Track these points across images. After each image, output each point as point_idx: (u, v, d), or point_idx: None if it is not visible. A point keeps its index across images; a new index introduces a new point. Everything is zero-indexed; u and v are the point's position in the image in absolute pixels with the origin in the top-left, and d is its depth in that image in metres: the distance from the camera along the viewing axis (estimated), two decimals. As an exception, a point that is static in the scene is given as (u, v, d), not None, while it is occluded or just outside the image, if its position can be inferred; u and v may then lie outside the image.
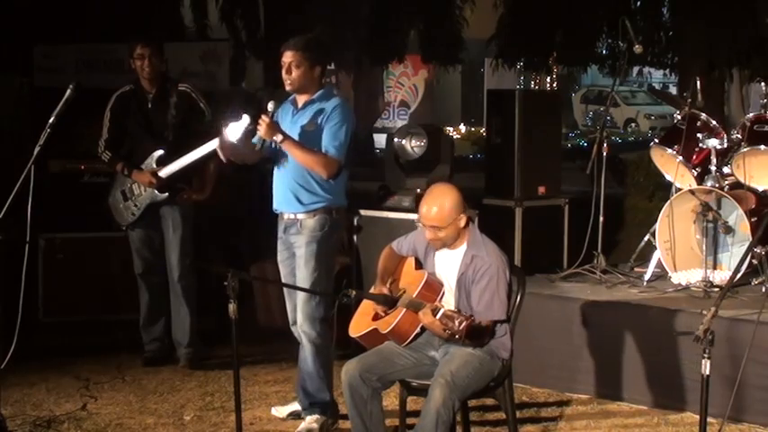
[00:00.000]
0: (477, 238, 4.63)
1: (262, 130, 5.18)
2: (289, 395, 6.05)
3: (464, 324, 4.21)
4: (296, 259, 5.44)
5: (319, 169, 5.30)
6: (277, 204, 5.50)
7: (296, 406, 5.67)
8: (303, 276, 5.37)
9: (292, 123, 5.38)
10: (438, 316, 4.28)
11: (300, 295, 5.41)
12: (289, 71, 5.31)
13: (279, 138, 5.22)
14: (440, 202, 4.55)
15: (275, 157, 5.44)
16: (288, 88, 5.37)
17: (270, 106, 5.25)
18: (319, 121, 5.34)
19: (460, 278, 4.58)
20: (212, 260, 7.81)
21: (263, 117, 5.18)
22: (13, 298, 5.22)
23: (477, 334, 4.38)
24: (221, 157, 5.55)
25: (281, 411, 5.72)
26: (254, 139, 5.34)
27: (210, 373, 6.53)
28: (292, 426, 5.57)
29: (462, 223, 4.58)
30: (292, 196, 5.39)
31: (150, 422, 5.66)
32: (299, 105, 5.42)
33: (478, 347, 4.51)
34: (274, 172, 5.49)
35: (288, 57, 5.30)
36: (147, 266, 6.73)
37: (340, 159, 5.34)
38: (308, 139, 5.32)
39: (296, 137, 5.33)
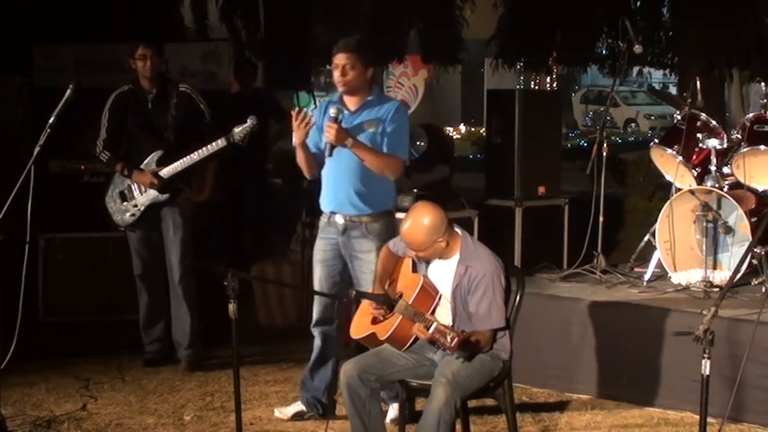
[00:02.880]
0: (469, 247, 4.62)
1: (331, 135, 5.14)
2: (289, 395, 6.06)
3: (455, 340, 4.23)
4: (359, 263, 5.37)
5: (389, 171, 5.33)
6: (334, 206, 5.42)
7: (299, 406, 5.67)
8: (372, 279, 5.26)
9: (346, 125, 5.29)
10: (430, 330, 4.29)
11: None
12: (344, 73, 5.28)
13: (350, 142, 5.19)
14: (415, 228, 4.54)
15: (327, 158, 5.35)
16: (341, 90, 5.36)
17: (332, 111, 5.22)
18: (381, 123, 5.33)
19: (455, 289, 4.57)
20: (213, 260, 7.81)
21: (331, 123, 5.16)
22: (13, 298, 5.22)
23: (470, 348, 4.39)
24: (307, 176, 5.47)
25: (284, 412, 5.70)
26: (307, 142, 5.32)
27: (210, 373, 6.53)
28: (292, 426, 5.58)
29: (443, 245, 4.57)
30: (356, 198, 5.34)
31: (150, 422, 5.66)
32: (353, 107, 5.38)
33: (467, 360, 4.48)
34: (326, 173, 5.42)
35: (342, 59, 5.29)
36: (146, 267, 6.72)
37: (406, 161, 5.41)
38: (371, 141, 5.30)
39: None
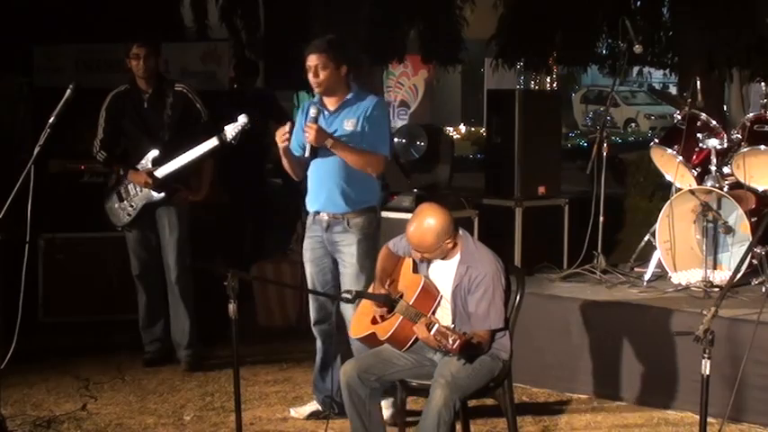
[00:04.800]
0: (470, 247, 4.62)
1: (311, 136, 5.18)
2: (289, 395, 6.06)
3: (457, 343, 4.22)
4: (341, 257, 5.40)
5: (371, 169, 5.35)
6: (318, 205, 5.44)
7: (315, 405, 5.65)
8: (354, 273, 5.34)
9: (327, 125, 5.33)
10: (432, 332, 4.28)
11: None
12: (316, 74, 5.29)
13: (329, 142, 5.22)
14: (423, 230, 4.53)
15: (309, 158, 5.38)
16: (316, 91, 5.36)
17: (312, 112, 5.25)
18: (360, 120, 5.34)
19: (455, 290, 4.57)
20: (213, 260, 7.81)
21: (310, 124, 5.20)
22: (13, 298, 5.22)
23: (471, 350, 4.39)
24: (295, 178, 5.52)
25: (300, 412, 5.67)
26: (291, 145, 5.34)
27: (210, 373, 6.53)
28: (292, 426, 5.58)
29: (450, 246, 4.57)
30: (338, 196, 5.36)
31: (150, 422, 5.66)
32: (332, 107, 5.39)
33: (468, 362, 4.48)
34: (311, 173, 5.45)
35: (313, 60, 5.29)
36: (144, 267, 6.71)
37: (387, 156, 5.42)
38: (352, 139, 5.32)
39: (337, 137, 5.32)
